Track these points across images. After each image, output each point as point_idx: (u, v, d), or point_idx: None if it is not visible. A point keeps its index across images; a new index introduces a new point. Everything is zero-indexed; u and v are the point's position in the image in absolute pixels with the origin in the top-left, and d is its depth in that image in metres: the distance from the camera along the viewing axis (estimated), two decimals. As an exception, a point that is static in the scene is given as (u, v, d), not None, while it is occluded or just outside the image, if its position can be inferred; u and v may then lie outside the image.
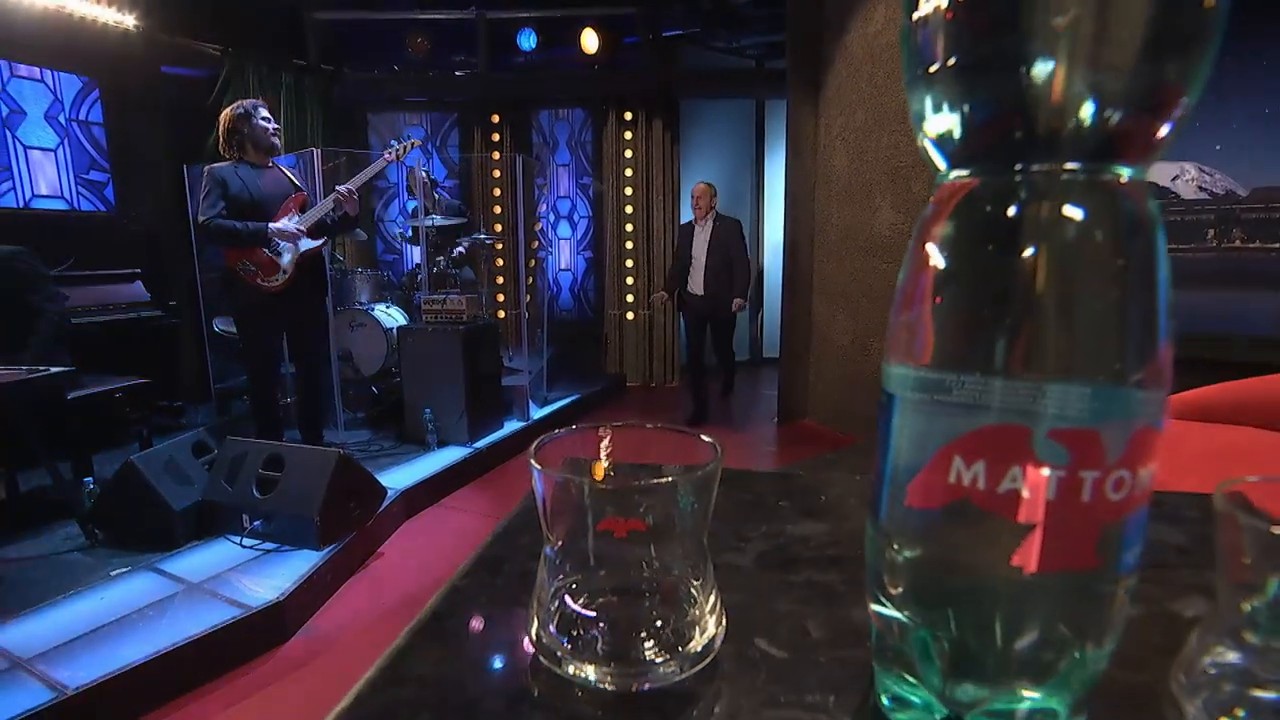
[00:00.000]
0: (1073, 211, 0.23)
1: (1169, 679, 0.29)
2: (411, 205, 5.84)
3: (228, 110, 3.07)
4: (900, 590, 0.27)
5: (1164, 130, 0.23)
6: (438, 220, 4.25)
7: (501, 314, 5.82)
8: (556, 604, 0.32)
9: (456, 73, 5.76)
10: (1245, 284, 3.28)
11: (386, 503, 2.89)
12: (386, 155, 3.44)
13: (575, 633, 0.32)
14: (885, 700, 0.29)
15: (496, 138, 5.90)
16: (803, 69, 4.44)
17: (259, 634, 2.13)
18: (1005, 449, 0.23)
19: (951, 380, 0.24)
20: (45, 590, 2.25)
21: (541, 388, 4.79)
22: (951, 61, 0.23)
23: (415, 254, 5.89)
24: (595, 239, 6.12)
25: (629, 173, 5.83)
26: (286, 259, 3.07)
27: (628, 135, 5.79)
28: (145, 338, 3.97)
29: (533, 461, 0.31)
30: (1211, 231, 3.40)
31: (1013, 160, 0.24)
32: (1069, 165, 0.23)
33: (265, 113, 3.10)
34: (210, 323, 4.35)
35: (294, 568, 2.39)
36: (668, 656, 0.31)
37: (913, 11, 0.24)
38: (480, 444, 3.75)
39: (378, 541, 2.82)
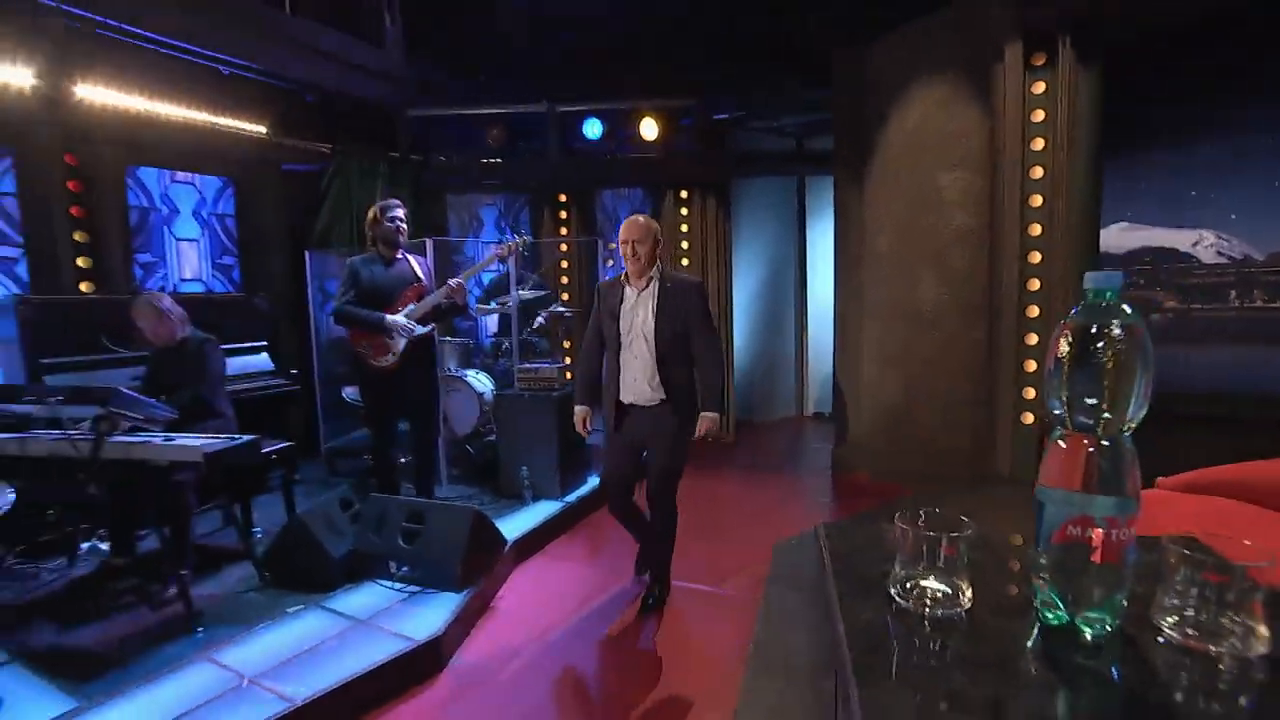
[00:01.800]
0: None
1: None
2: (488, 278, 6.43)
3: (372, 207, 3.64)
4: (1046, 575, 0.69)
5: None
6: (524, 295, 4.77)
7: (569, 375, 6.28)
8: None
9: (530, 158, 6.38)
10: (1269, 341, 3.58)
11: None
12: (497, 251, 3.98)
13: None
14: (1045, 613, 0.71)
15: (564, 215, 6.48)
16: (848, 159, 4.93)
17: (423, 662, 2.54)
18: (1083, 522, 0.66)
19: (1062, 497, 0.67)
20: (236, 623, 2.70)
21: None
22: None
23: (489, 323, 6.46)
24: (653, 305, 6.61)
25: (684, 245, 6.35)
26: (399, 344, 3.58)
27: (683, 211, 6.32)
28: (271, 403, 4.50)
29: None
30: (1233, 293, 3.75)
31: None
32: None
33: (397, 212, 3.66)
34: (323, 389, 4.89)
35: (439, 607, 2.81)
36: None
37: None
38: (570, 497, 4.18)
39: (498, 585, 3.23)
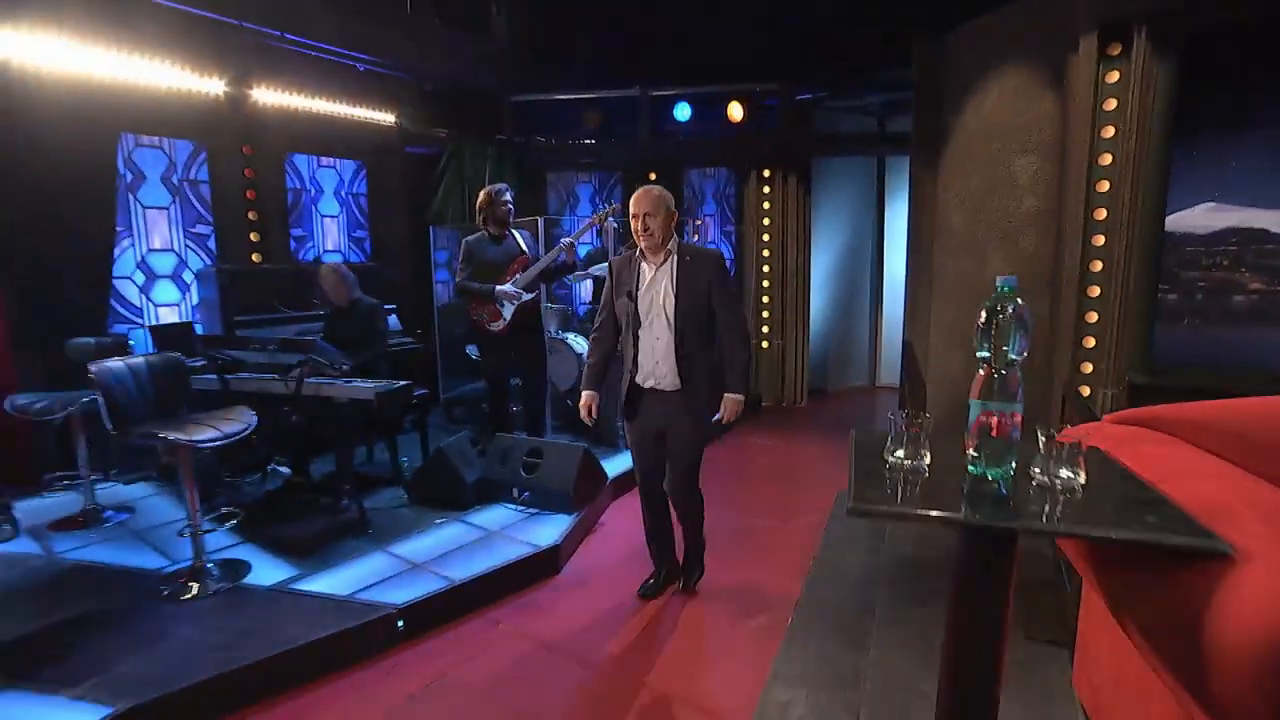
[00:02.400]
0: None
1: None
2: (584, 250, 7.01)
3: (483, 191, 4.25)
4: (971, 447, 1.18)
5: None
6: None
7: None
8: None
9: (622, 139, 6.88)
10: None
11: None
12: (596, 217, 4.52)
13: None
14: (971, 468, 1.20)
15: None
16: (925, 139, 5.20)
17: (544, 565, 3.17)
18: (988, 415, 1.14)
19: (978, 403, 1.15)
20: (397, 530, 3.40)
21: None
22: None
23: (583, 291, 7.07)
24: (737, 278, 7.05)
25: (766, 222, 6.74)
26: (508, 311, 4.19)
27: (766, 189, 6.70)
28: (399, 358, 5.24)
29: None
30: None
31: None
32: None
33: (507, 196, 4.25)
34: (441, 347, 5.62)
35: (554, 525, 3.44)
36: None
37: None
38: (656, 448, 4.74)
39: (600, 512, 3.85)
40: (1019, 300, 1.24)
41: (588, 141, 6.91)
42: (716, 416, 2.75)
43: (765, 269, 6.80)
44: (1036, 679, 2.07)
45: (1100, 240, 4.08)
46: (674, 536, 2.99)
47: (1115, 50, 3.91)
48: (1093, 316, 4.13)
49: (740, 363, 2.72)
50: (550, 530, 3.36)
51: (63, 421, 3.38)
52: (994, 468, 1.22)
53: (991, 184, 4.66)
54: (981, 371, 1.25)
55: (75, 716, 2.02)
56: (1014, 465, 1.24)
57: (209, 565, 2.85)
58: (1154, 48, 3.80)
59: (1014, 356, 1.22)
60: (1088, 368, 4.16)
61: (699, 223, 6.94)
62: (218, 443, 2.66)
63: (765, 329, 6.85)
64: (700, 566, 3.03)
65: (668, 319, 2.63)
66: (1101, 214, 4.06)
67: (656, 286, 2.65)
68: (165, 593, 2.74)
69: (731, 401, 2.71)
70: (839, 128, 6.92)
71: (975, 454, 1.24)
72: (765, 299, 6.83)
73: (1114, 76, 3.93)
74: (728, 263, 2.77)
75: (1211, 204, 4.07)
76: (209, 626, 2.51)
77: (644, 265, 2.69)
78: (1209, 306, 3.91)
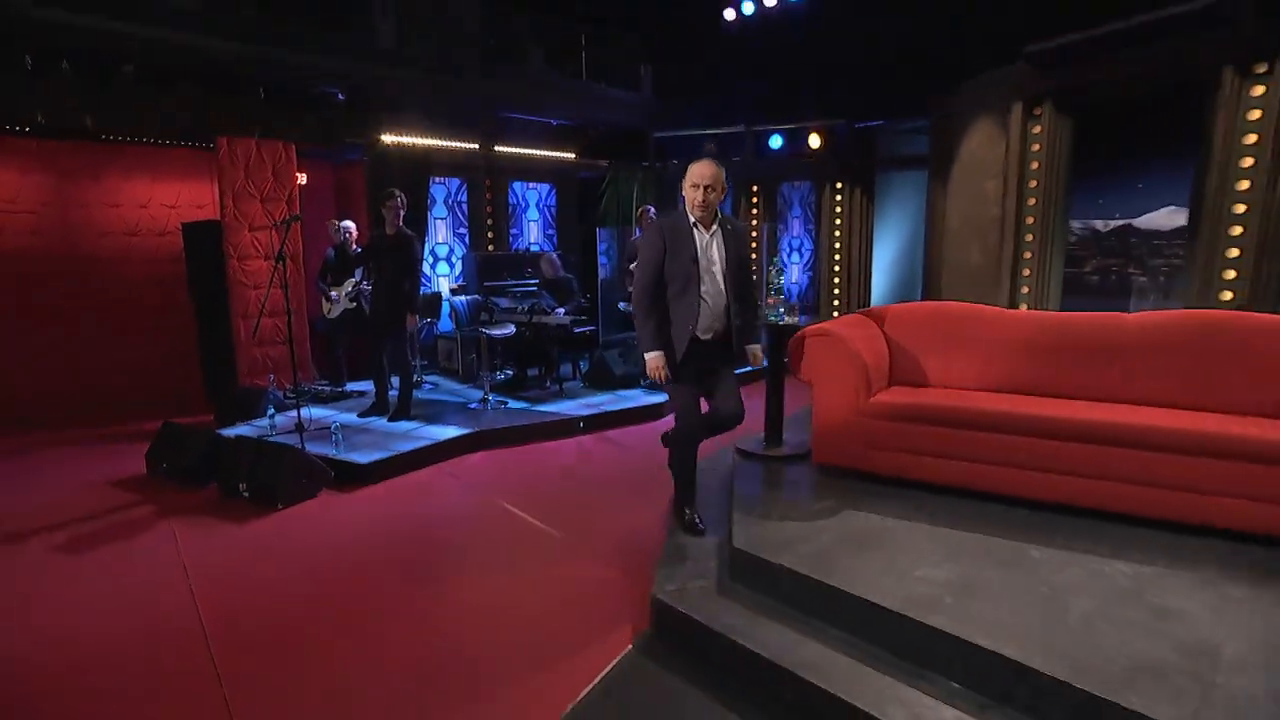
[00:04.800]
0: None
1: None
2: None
3: (640, 209, 6.95)
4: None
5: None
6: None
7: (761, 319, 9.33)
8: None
9: (733, 161, 9.38)
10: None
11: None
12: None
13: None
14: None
15: (755, 200, 9.42)
16: (937, 166, 7.30)
17: (649, 413, 5.83)
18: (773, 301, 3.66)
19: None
20: (577, 395, 6.21)
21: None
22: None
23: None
24: (815, 265, 9.34)
25: (838, 222, 8.98)
26: None
27: (838, 198, 8.94)
28: (581, 311, 8.12)
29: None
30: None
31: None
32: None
33: (652, 210, 6.92)
34: (602, 307, 8.47)
35: (663, 397, 6.09)
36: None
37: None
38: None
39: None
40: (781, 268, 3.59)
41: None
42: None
43: (836, 258, 9.04)
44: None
45: (1030, 237, 6.13)
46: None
47: (1037, 112, 5.96)
48: (1025, 289, 6.18)
49: (760, 319, 3.54)
50: (660, 399, 6.03)
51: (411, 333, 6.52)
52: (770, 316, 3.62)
53: (973, 198, 6.75)
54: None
55: (450, 431, 4.96)
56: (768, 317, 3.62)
57: (490, 398, 5.81)
58: (1058, 113, 5.83)
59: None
60: (1023, 295, 6.21)
61: (782, 231, 9.30)
62: (506, 333, 5.60)
63: (835, 303, 9.10)
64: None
65: (722, 279, 2.98)
66: (1031, 219, 6.11)
67: (711, 252, 2.96)
68: (472, 407, 5.72)
69: (756, 349, 3.17)
70: (898, 150, 8.98)
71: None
72: (836, 281, 9.08)
73: (1036, 129, 5.99)
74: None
75: (1173, 207, 5.97)
76: (493, 420, 5.43)
77: (696, 232, 2.95)
78: (1105, 284, 5.93)
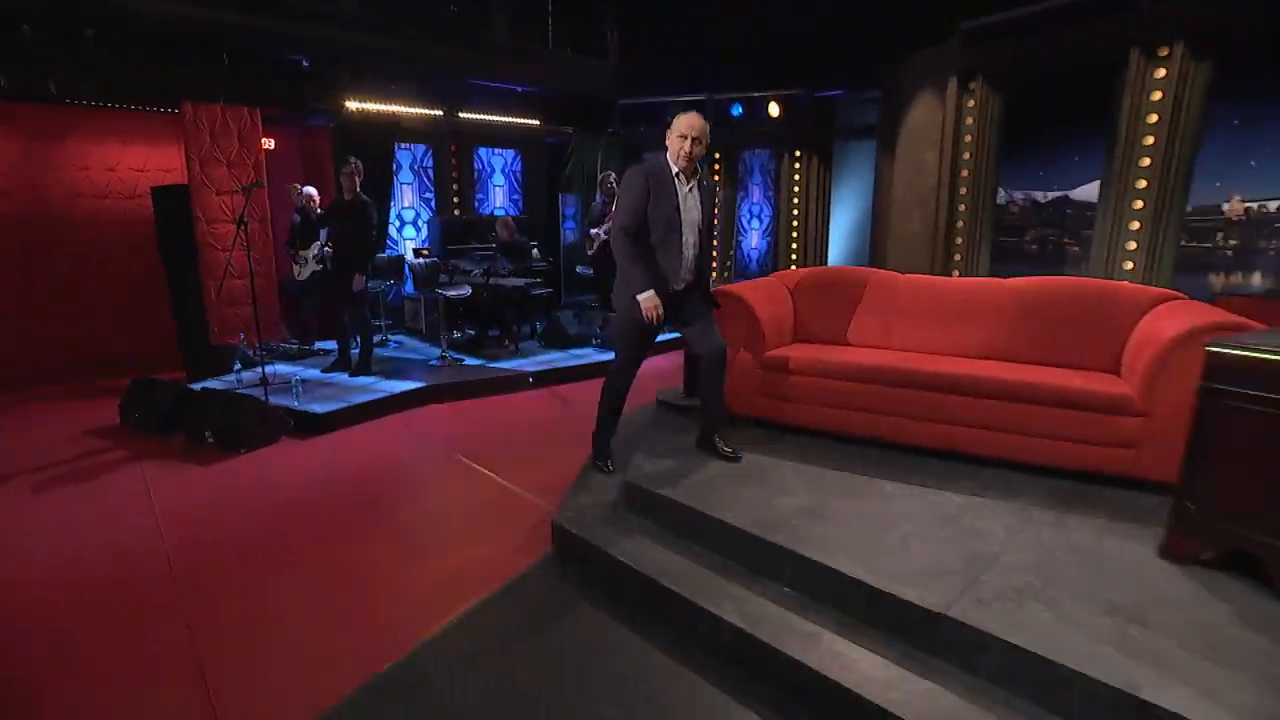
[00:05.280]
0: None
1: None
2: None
3: (601, 175, 7.21)
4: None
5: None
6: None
7: (714, 275, 9.65)
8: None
9: (694, 129, 9.60)
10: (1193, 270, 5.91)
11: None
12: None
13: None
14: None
15: (717, 168, 9.67)
16: (885, 136, 7.58)
17: (596, 370, 6.22)
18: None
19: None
20: (533, 353, 6.58)
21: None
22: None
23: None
24: (774, 230, 9.65)
25: (796, 189, 9.26)
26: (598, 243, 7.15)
27: (796, 165, 9.21)
28: (539, 274, 8.44)
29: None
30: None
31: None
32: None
33: (613, 177, 7.18)
34: (564, 269, 8.77)
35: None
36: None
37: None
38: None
39: (640, 359, 6.87)
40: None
41: (670, 131, 9.71)
42: None
43: (794, 224, 9.35)
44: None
45: (963, 207, 6.47)
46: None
47: (971, 86, 6.24)
48: (957, 257, 6.54)
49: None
50: (608, 357, 6.39)
51: (376, 294, 6.82)
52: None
53: (915, 167, 7.06)
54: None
55: (405, 385, 5.32)
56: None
57: (449, 355, 6.16)
58: (989, 88, 6.12)
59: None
60: (955, 263, 6.58)
61: (742, 199, 9.58)
62: (461, 294, 5.92)
63: (793, 267, 9.44)
64: (723, 418, 3.37)
65: (699, 230, 3.11)
66: (964, 190, 6.44)
67: (691, 202, 3.05)
68: (432, 364, 6.07)
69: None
70: (857, 120, 9.23)
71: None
72: (794, 246, 9.41)
73: (970, 103, 6.28)
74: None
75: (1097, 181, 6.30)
76: (449, 376, 5.78)
77: (678, 183, 3.00)
78: (1044, 253, 6.31)
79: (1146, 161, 5.16)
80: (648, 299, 2.99)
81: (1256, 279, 5.41)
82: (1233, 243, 5.54)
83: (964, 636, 1.97)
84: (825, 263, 9.37)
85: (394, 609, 2.70)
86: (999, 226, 6.58)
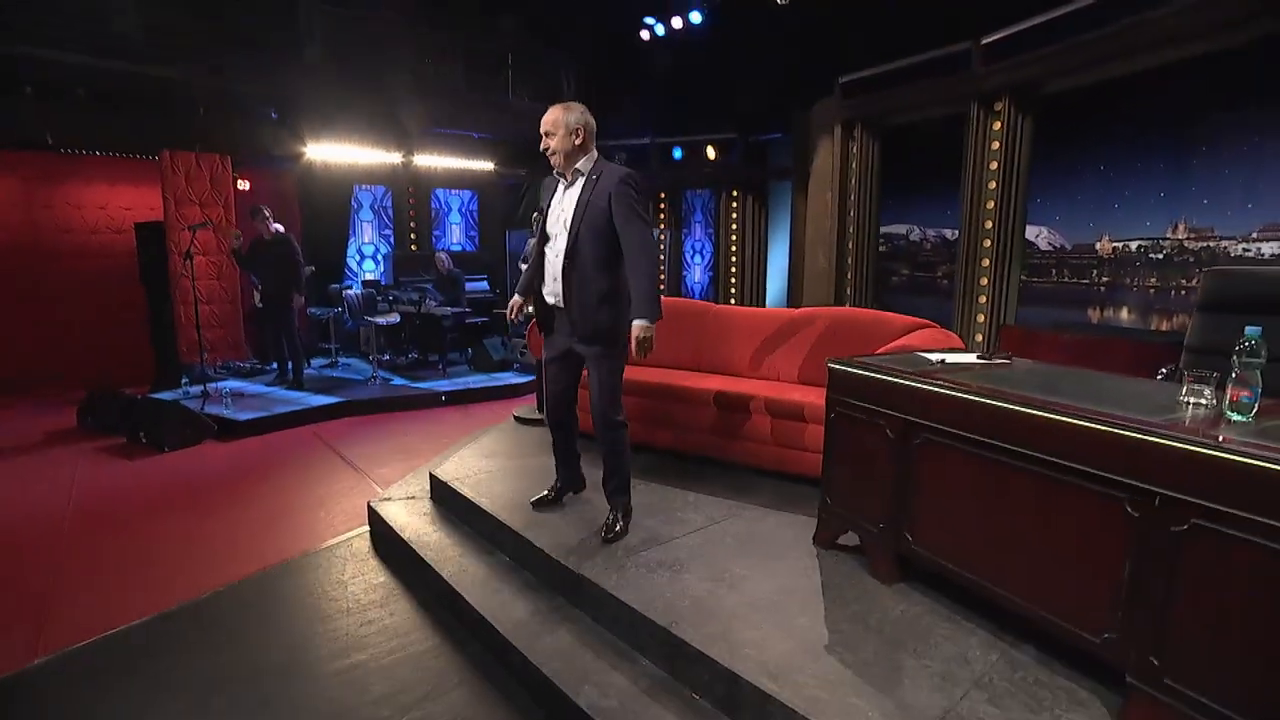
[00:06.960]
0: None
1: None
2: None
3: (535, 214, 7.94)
4: None
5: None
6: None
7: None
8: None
9: (643, 172, 10.32)
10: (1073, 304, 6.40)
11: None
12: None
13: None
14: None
15: (663, 207, 10.36)
16: (798, 178, 8.20)
17: (517, 391, 6.85)
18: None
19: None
20: (457, 375, 7.24)
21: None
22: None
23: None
24: (715, 265, 10.26)
25: (734, 227, 9.88)
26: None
27: (734, 205, 9.84)
28: (487, 304, 9.15)
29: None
30: (1054, 270, 6.58)
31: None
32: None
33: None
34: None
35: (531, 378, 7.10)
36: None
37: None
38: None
39: (559, 381, 7.50)
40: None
41: (622, 172, 10.44)
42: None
43: (733, 259, 9.96)
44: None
45: (850, 245, 7.04)
46: (578, 456, 3.11)
47: (854, 133, 6.85)
48: (848, 290, 7.08)
49: (641, 288, 2.54)
50: (523, 380, 7.03)
51: (328, 320, 7.58)
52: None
53: (819, 208, 7.66)
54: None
55: (325, 400, 6.01)
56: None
57: (380, 375, 6.85)
58: (868, 134, 6.73)
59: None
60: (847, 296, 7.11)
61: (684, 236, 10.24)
62: (390, 322, 6.64)
63: (732, 300, 10.03)
64: (621, 514, 2.84)
65: (574, 232, 2.57)
66: (851, 228, 7.01)
67: (565, 204, 2.65)
68: (364, 380, 6.77)
69: (635, 327, 2.53)
70: (786, 162, 9.86)
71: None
72: (733, 281, 10.01)
73: (854, 148, 6.88)
74: (634, 182, 2.59)
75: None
76: (378, 392, 6.46)
77: (560, 184, 2.72)
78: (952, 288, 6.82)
79: (991, 204, 5.70)
80: (513, 300, 2.96)
81: (1124, 313, 5.88)
82: (1105, 279, 6.03)
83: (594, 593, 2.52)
84: (764, 296, 9.93)
85: (209, 564, 3.34)
86: (914, 263, 7.12)
